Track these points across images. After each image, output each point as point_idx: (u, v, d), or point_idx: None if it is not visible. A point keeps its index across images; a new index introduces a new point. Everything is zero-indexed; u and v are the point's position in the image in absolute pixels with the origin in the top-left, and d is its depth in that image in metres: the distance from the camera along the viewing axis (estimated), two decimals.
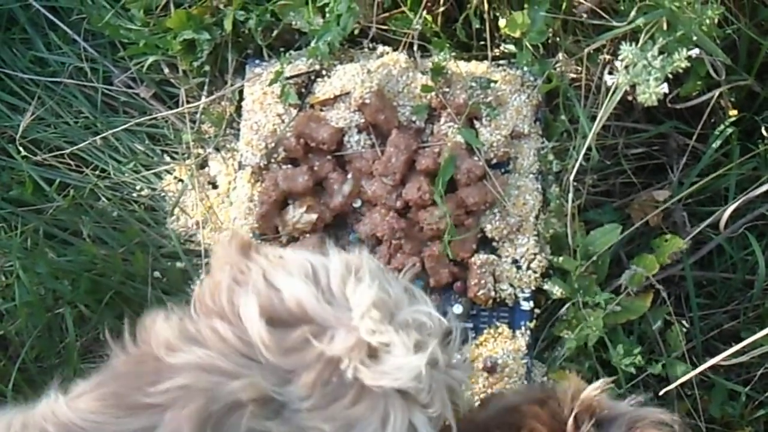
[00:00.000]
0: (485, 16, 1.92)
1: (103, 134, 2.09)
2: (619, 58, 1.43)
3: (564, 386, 1.27)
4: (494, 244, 1.90)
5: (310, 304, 1.13)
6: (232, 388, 1.05)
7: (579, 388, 1.25)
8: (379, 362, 1.12)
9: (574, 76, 1.95)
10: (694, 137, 1.97)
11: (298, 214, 1.88)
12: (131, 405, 1.06)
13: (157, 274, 2.01)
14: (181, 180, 2.09)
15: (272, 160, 1.93)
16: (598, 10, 1.83)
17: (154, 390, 1.05)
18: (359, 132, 1.91)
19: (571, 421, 1.19)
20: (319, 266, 1.18)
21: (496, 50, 1.99)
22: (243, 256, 1.21)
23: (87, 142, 2.08)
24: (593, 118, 1.66)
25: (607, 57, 1.87)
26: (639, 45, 1.46)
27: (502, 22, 1.91)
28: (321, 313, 1.13)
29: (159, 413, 1.04)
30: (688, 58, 1.41)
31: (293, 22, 2.00)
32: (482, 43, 1.98)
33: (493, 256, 1.89)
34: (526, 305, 1.89)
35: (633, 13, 1.62)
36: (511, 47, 1.96)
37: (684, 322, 1.93)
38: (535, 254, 1.89)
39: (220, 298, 1.15)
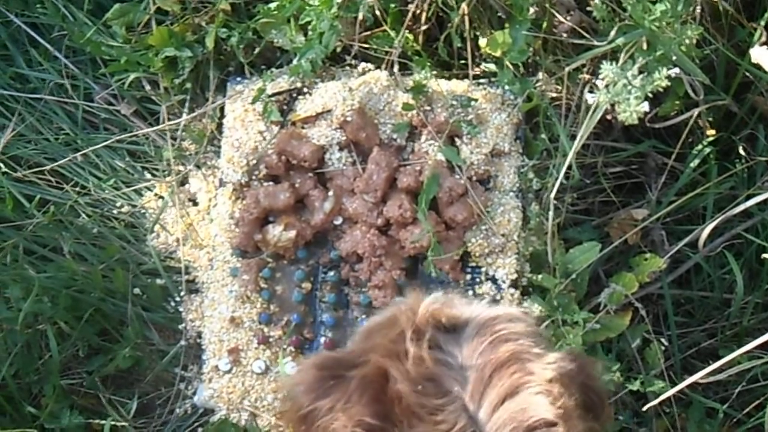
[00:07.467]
0: (466, 35, 1.93)
1: (84, 151, 2.08)
2: (600, 77, 1.45)
3: (402, 306, 1.17)
4: (476, 262, 1.91)
5: None
6: None
7: (415, 304, 1.14)
8: None
9: (555, 95, 1.96)
10: (673, 156, 1.99)
11: (278, 233, 1.88)
12: None
13: (137, 290, 2.02)
14: (161, 197, 2.09)
15: (253, 177, 1.93)
16: (579, 30, 1.85)
17: None
18: (340, 149, 1.91)
19: (408, 336, 1.09)
20: None
21: (477, 69, 2.00)
22: None
23: (67, 159, 2.08)
24: (573, 137, 1.67)
25: (588, 76, 1.88)
26: (619, 64, 1.47)
27: (482, 42, 1.92)
28: None
29: None
30: (668, 77, 1.43)
31: (275, 40, 2.00)
32: (463, 61, 1.99)
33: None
34: None
35: (613, 33, 1.63)
36: (492, 66, 1.97)
37: (662, 340, 1.94)
38: (516, 272, 1.89)
39: None
